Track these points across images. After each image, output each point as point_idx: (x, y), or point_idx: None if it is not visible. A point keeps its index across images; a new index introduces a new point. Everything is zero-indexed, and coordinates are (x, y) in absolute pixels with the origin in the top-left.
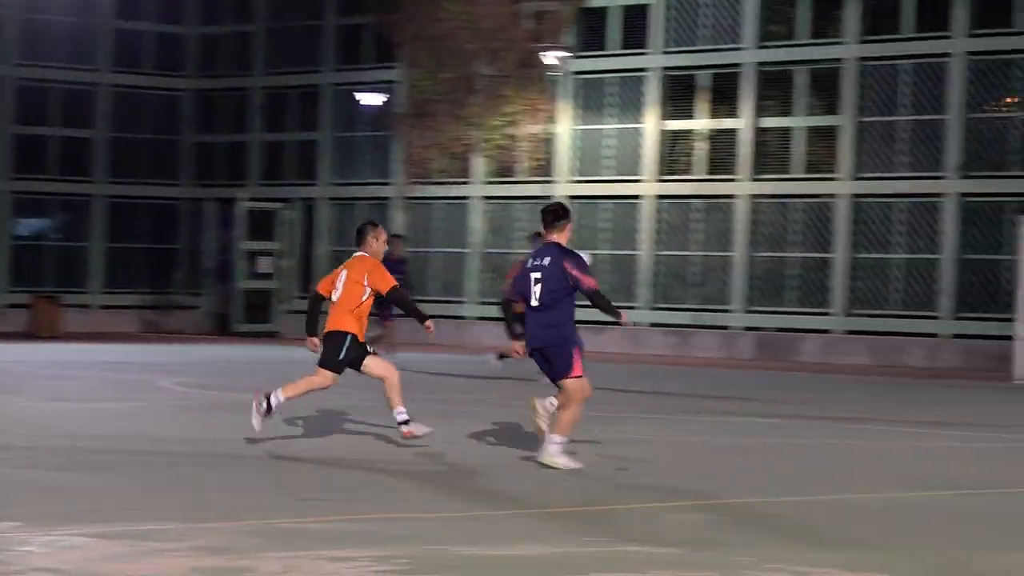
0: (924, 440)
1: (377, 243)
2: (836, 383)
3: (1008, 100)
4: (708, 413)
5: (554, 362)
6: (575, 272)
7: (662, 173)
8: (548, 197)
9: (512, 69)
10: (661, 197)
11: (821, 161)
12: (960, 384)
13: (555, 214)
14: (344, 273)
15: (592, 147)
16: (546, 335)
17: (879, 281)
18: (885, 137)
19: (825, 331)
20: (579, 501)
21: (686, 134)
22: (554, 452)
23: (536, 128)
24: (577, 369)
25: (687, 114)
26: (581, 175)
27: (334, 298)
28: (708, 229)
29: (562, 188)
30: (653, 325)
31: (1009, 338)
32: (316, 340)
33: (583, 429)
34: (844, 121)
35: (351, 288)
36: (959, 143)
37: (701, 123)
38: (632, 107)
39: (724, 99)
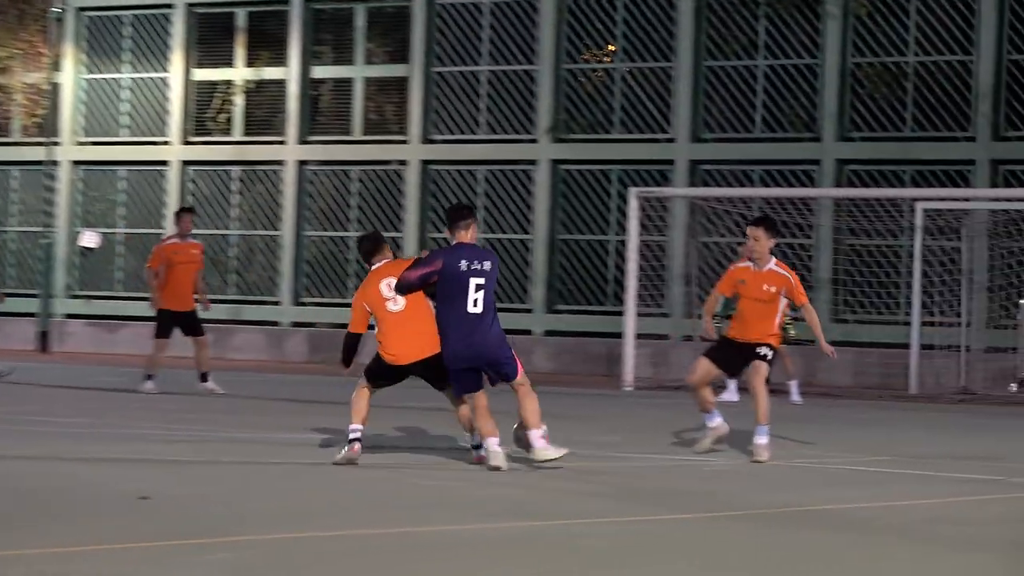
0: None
1: None
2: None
3: (610, 48)
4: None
5: (503, 367)
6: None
7: (191, 134)
8: (53, 163)
9: (2, 3)
10: (190, 163)
11: (386, 120)
12: (556, 391)
13: (464, 212)
14: None
15: (105, 101)
16: (499, 344)
17: None
18: (463, 91)
19: None
20: None
21: (221, 86)
22: (545, 446)
23: (34, 77)
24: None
25: (222, 61)
26: (91, 135)
27: None
28: (249, 203)
29: (67, 152)
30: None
31: (618, 335)
32: None
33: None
34: (413, 72)
35: None
36: (551, 99)
37: (239, 72)
38: (154, 52)
39: (267, 43)
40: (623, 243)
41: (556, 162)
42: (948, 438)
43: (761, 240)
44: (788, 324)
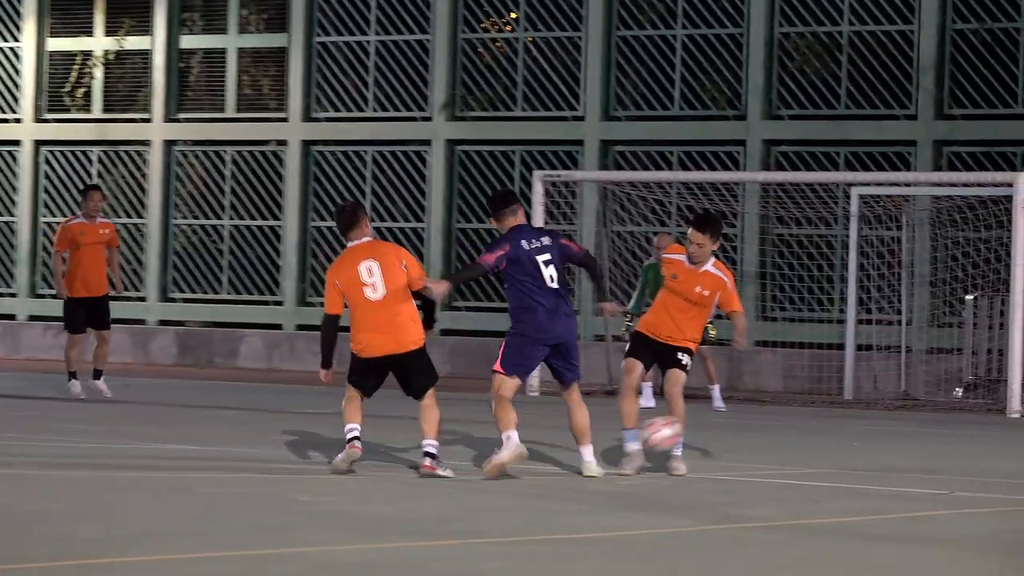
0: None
1: None
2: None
3: (512, 15)
4: None
5: (571, 357)
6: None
7: (45, 111)
8: None
9: None
10: (44, 143)
11: (263, 96)
12: (453, 397)
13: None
14: None
15: None
16: (571, 326)
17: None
18: (349, 64)
19: (274, 326)
20: None
21: (78, 57)
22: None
23: None
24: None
25: (80, 30)
26: None
27: None
28: (110, 187)
29: None
30: (33, 318)
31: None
32: None
33: None
34: (293, 42)
35: None
36: (447, 73)
37: (98, 42)
38: (3, 20)
39: (130, 10)
40: None
41: (452, 142)
42: (886, 448)
43: (705, 247)
44: (709, 324)
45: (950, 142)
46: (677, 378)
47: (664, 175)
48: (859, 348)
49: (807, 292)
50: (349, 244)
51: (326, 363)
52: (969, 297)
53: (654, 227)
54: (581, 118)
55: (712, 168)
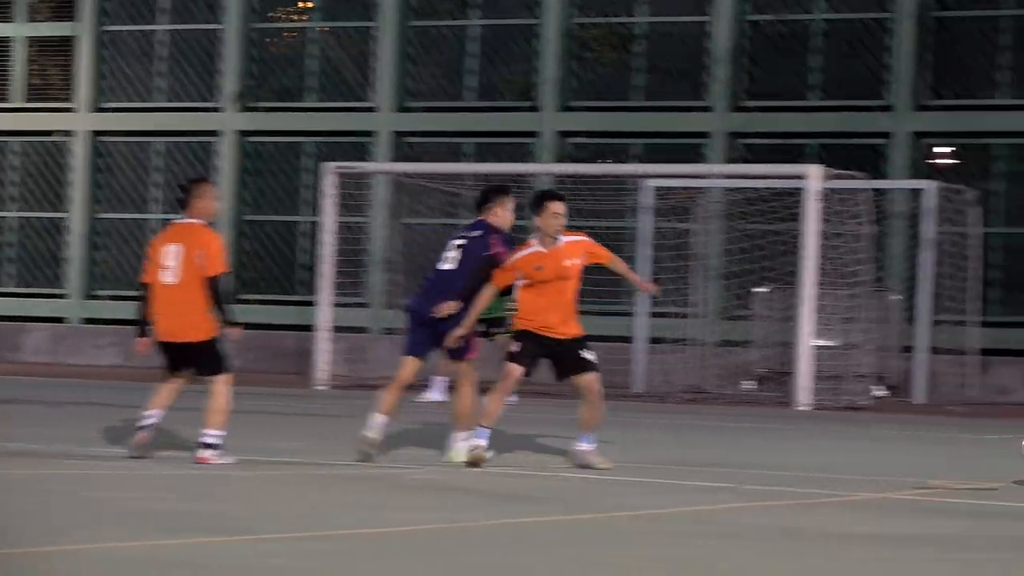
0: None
1: None
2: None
3: (306, 4)
4: None
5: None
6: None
7: None
8: None
9: None
10: None
11: (50, 85)
12: (240, 391)
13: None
14: None
15: None
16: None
17: (124, 250)
18: (138, 53)
19: (59, 320)
20: None
21: None
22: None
23: None
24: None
25: None
26: None
27: None
28: None
29: None
30: None
31: (310, 328)
32: None
33: None
34: (82, 30)
35: None
36: (237, 63)
37: None
38: None
39: None
40: (317, 224)
41: (243, 133)
42: (676, 442)
43: (561, 216)
44: (508, 311)
45: (743, 134)
46: (593, 383)
47: (457, 167)
48: (650, 341)
49: (597, 285)
50: (178, 220)
51: (139, 332)
52: (759, 290)
53: (445, 219)
54: (373, 109)
55: (506, 160)
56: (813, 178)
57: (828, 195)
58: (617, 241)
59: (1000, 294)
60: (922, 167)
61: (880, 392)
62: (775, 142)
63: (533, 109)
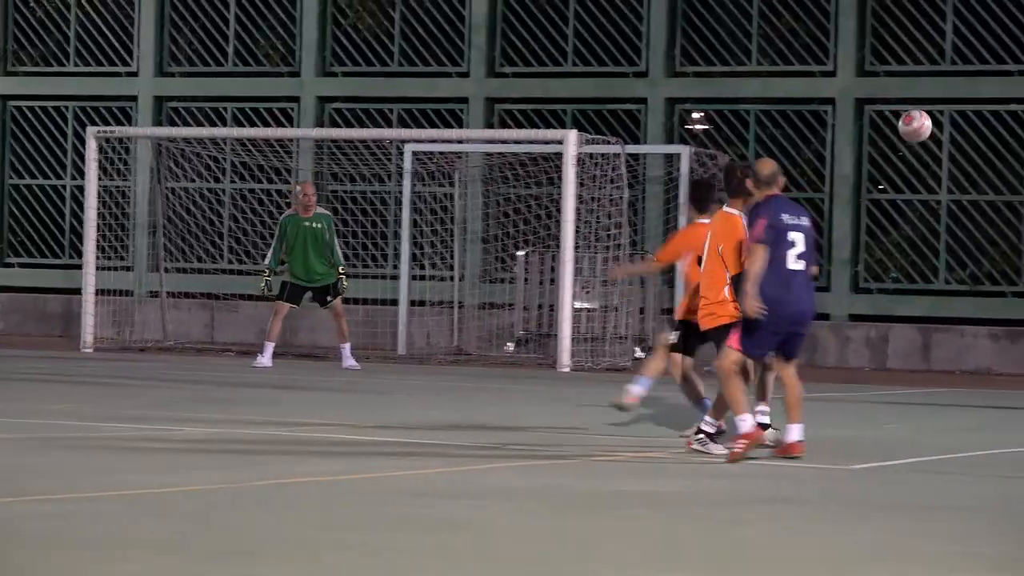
0: None
1: None
2: None
3: None
4: None
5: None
6: None
7: None
8: None
9: None
10: None
11: None
12: (6, 353)
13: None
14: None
15: None
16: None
17: None
18: None
19: None
20: None
21: None
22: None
23: None
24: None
25: None
26: None
27: None
28: None
29: None
30: None
31: (77, 292)
32: None
33: None
34: None
35: None
36: None
37: None
38: None
39: None
40: (81, 189)
41: (4, 98)
42: (440, 403)
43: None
44: (343, 275)
45: (502, 99)
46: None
47: (218, 131)
48: (412, 304)
49: (361, 248)
50: None
51: None
52: (520, 253)
53: (208, 183)
54: (135, 74)
55: (266, 124)
56: (570, 143)
57: (585, 160)
58: (378, 205)
59: None
60: (677, 132)
61: (640, 354)
62: (533, 107)
63: (293, 74)
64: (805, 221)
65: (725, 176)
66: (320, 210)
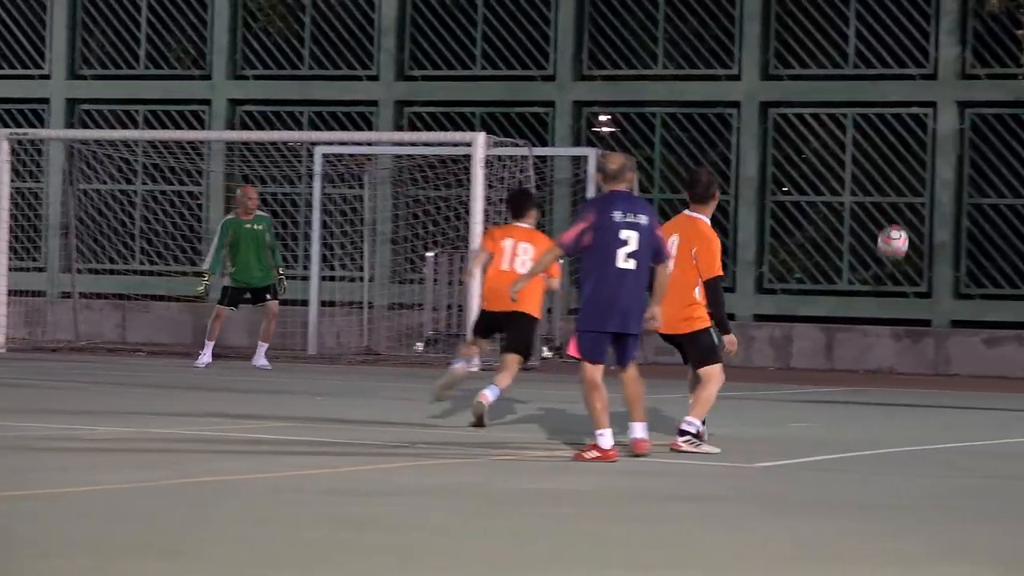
0: None
1: None
2: None
3: None
4: None
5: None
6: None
7: None
8: None
9: None
10: None
11: None
12: None
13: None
14: None
15: None
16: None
17: None
18: None
19: None
20: None
21: None
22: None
23: None
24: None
25: None
26: None
27: None
28: None
29: None
30: None
31: None
32: None
33: None
34: None
35: None
36: None
37: None
38: None
39: None
40: None
41: None
42: (351, 403)
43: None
44: (282, 276)
45: (411, 102)
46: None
47: (130, 134)
48: (323, 304)
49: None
50: None
51: None
52: (429, 254)
53: (120, 184)
54: (47, 77)
55: (178, 127)
56: (479, 145)
57: (493, 162)
58: (289, 207)
59: None
60: (584, 135)
61: (548, 354)
62: (442, 110)
63: (205, 77)
64: (643, 219)
65: (691, 182)
66: (259, 212)
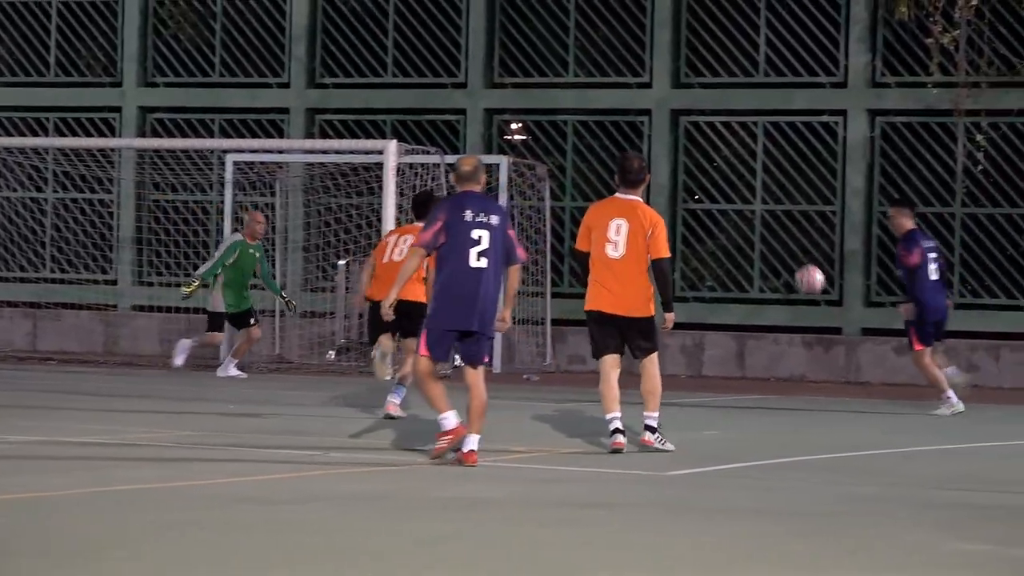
0: None
1: None
2: None
3: None
4: None
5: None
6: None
7: None
8: None
9: None
10: None
11: None
12: None
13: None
14: None
15: None
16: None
17: None
18: None
19: None
20: None
21: None
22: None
23: None
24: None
25: None
26: None
27: None
28: None
29: None
30: None
31: None
32: None
33: None
34: None
35: None
36: None
37: None
38: None
39: None
40: None
41: None
42: (263, 412)
43: None
44: (288, 300)
45: (322, 110)
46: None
47: (40, 141)
48: None
49: (183, 257)
50: None
51: None
52: (341, 262)
53: (31, 192)
54: None
55: (89, 134)
56: (390, 153)
57: (405, 170)
58: (200, 215)
59: (571, 266)
60: (495, 142)
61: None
62: (353, 118)
63: (115, 85)
64: (495, 219)
65: (624, 167)
66: None
